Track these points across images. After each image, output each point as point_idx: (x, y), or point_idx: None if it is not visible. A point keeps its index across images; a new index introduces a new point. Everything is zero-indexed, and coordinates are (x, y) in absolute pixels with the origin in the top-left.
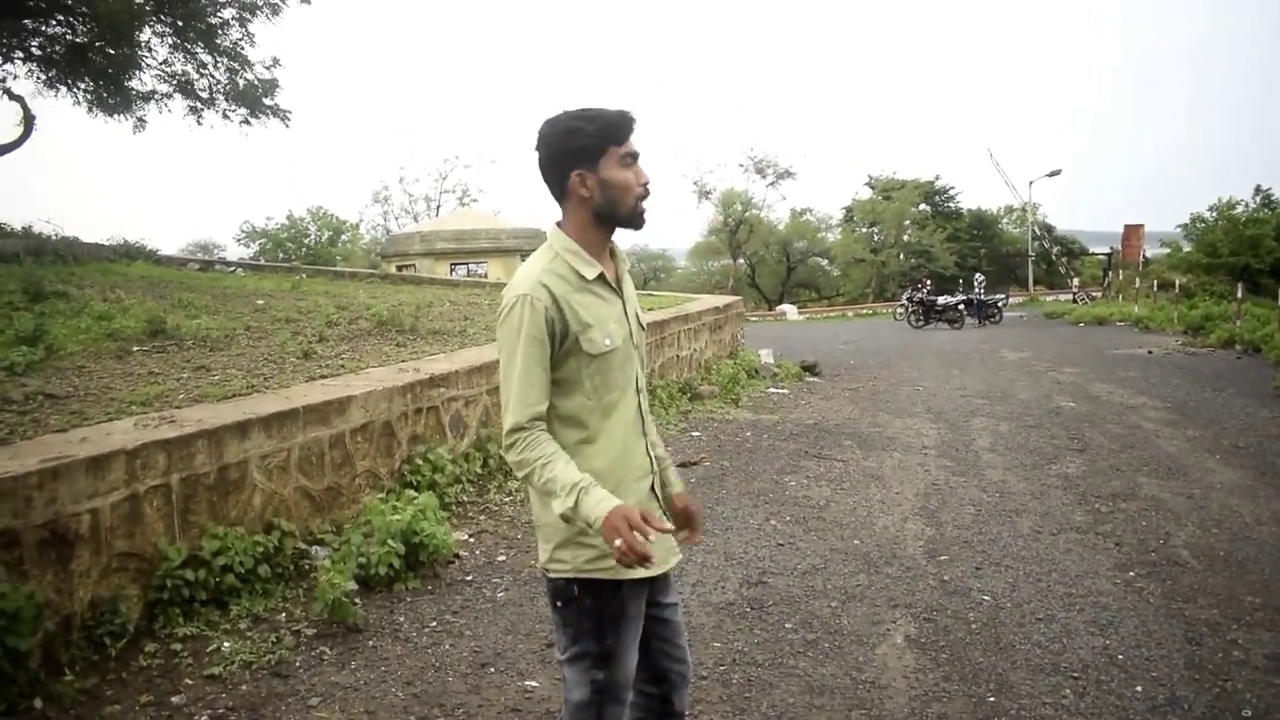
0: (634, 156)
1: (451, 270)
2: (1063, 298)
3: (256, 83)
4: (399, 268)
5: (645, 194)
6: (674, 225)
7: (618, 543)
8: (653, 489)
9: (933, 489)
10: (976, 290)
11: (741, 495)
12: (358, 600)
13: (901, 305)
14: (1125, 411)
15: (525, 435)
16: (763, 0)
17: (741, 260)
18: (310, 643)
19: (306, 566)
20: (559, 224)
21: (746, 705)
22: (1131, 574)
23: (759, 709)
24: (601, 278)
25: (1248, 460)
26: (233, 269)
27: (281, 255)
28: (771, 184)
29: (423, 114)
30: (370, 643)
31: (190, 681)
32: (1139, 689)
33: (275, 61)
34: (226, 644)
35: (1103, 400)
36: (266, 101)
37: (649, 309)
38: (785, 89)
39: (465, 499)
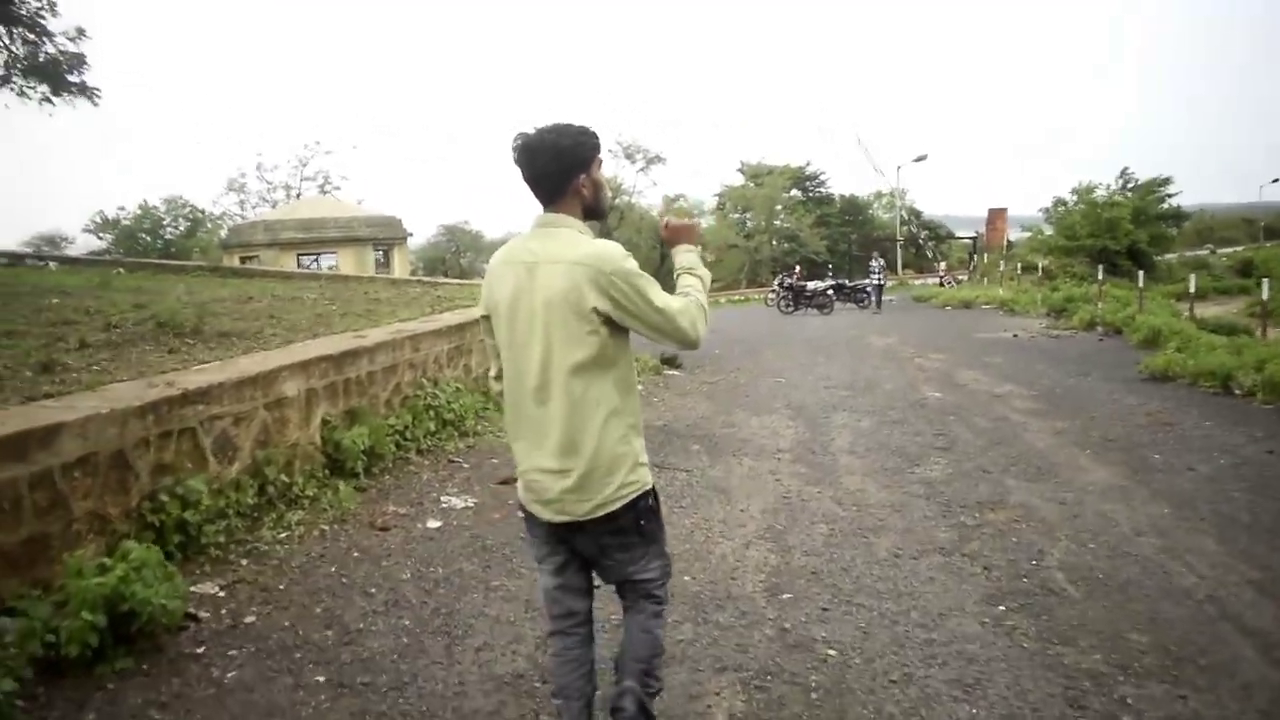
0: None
1: (300, 262)
2: (930, 281)
3: (59, 56)
4: (243, 259)
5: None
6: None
7: (692, 221)
8: None
9: (783, 503)
10: (877, 275)
11: None
12: (22, 699)
13: (773, 291)
14: (992, 401)
15: (688, 311)
16: None
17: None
18: None
19: None
20: (564, 213)
21: None
22: (1001, 608)
23: None
24: None
25: (1119, 455)
26: (44, 264)
27: (136, 248)
28: (642, 169)
29: (283, 97)
30: None
31: None
32: None
33: (80, 33)
34: None
35: (969, 389)
36: (71, 78)
37: None
38: (655, 73)
39: (225, 540)
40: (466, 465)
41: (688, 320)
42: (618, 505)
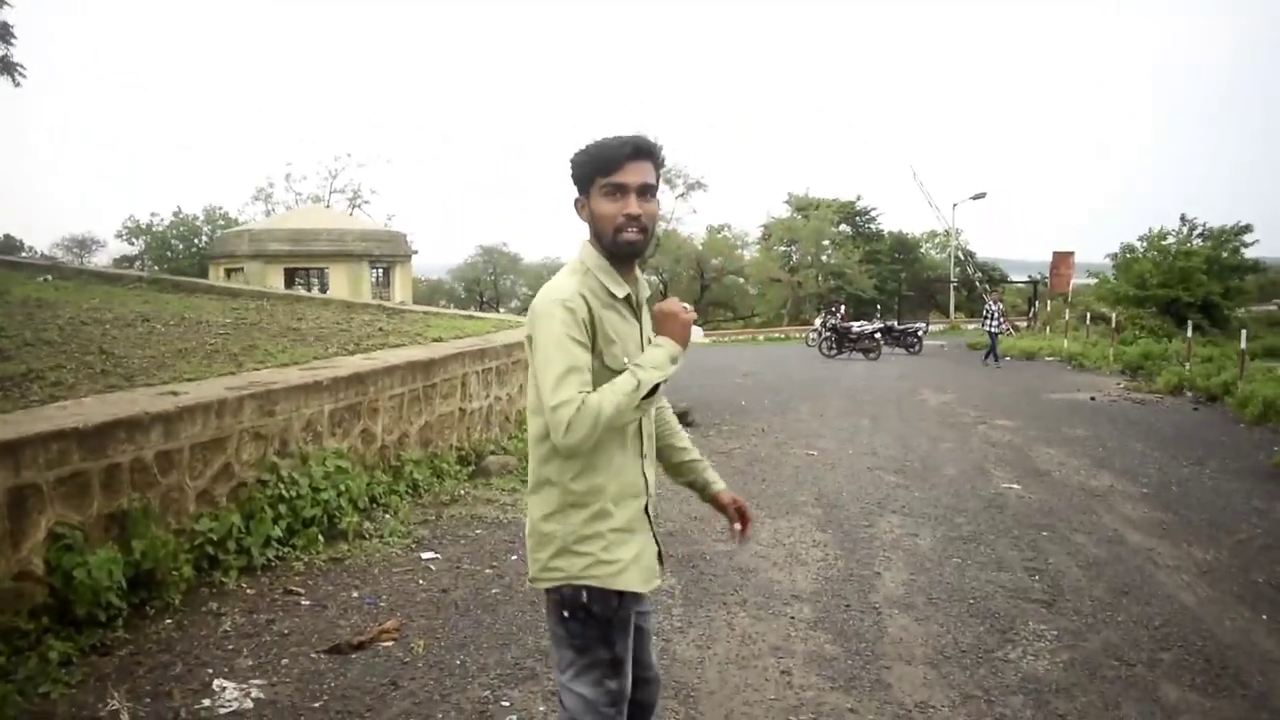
0: (619, 188)
1: (292, 280)
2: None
3: None
4: (228, 272)
5: (625, 224)
6: (580, 235)
7: (685, 317)
8: (646, 510)
9: None
10: (996, 321)
11: None
12: None
13: (814, 331)
14: (1091, 503)
15: (574, 402)
16: (680, 6)
17: (652, 276)
18: None
19: None
20: (589, 241)
21: None
22: None
23: None
24: (627, 299)
25: None
26: None
27: (168, 255)
28: (681, 195)
29: (322, 108)
30: None
31: None
32: None
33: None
34: None
35: (1055, 479)
36: None
37: (435, 339)
38: (701, 95)
39: None
40: (306, 602)
41: (564, 413)
42: (542, 585)
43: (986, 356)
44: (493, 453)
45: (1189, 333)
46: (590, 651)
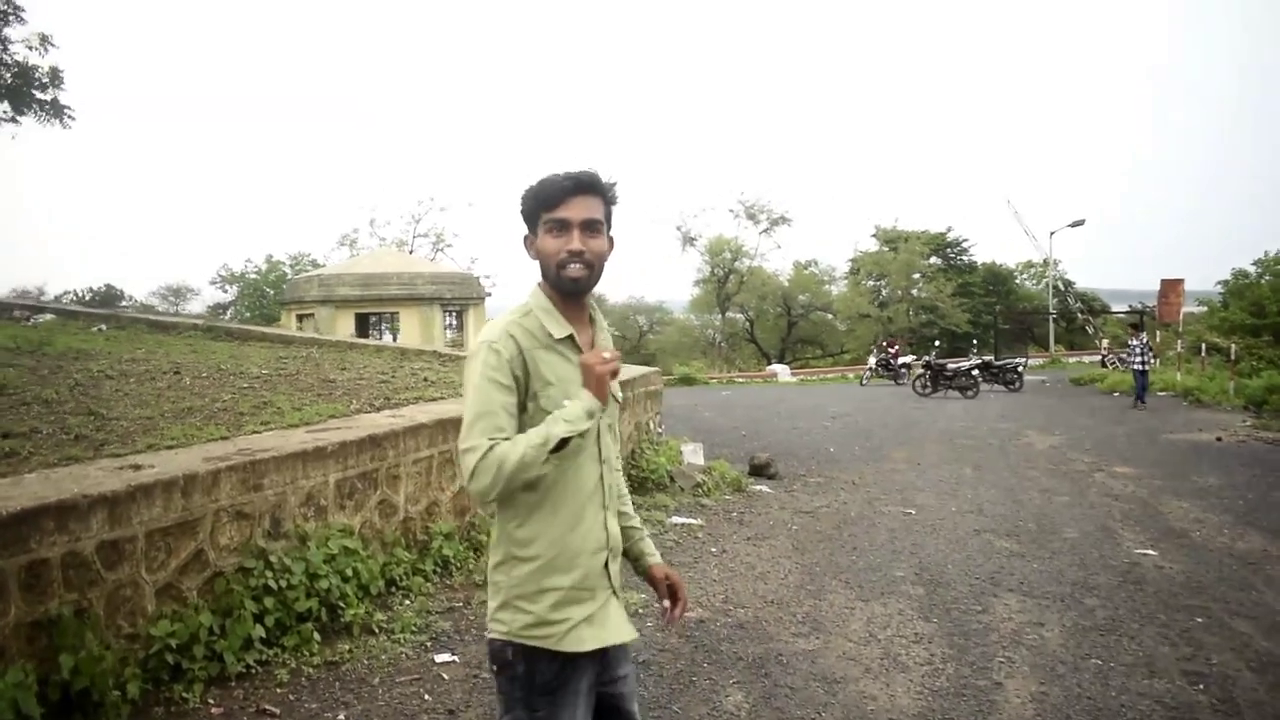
0: (562, 223)
1: (367, 327)
2: (1087, 359)
3: (20, 69)
4: (299, 318)
5: (568, 260)
6: (666, 275)
7: (600, 369)
8: (606, 567)
9: None
10: (1139, 358)
11: None
12: None
13: (867, 369)
14: (1245, 574)
15: (480, 448)
16: (759, 38)
17: (740, 314)
18: None
19: None
20: (539, 283)
21: None
22: None
23: None
24: (571, 339)
25: None
26: (27, 316)
27: (261, 302)
28: (765, 231)
29: (404, 153)
30: None
31: None
32: None
33: (45, 41)
34: None
35: (1196, 541)
36: (40, 95)
37: None
38: (786, 131)
39: None
40: None
41: (469, 460)
42: (487, 635)
43: (1136, 400)
44: None
45: None
46: (513, 709)
